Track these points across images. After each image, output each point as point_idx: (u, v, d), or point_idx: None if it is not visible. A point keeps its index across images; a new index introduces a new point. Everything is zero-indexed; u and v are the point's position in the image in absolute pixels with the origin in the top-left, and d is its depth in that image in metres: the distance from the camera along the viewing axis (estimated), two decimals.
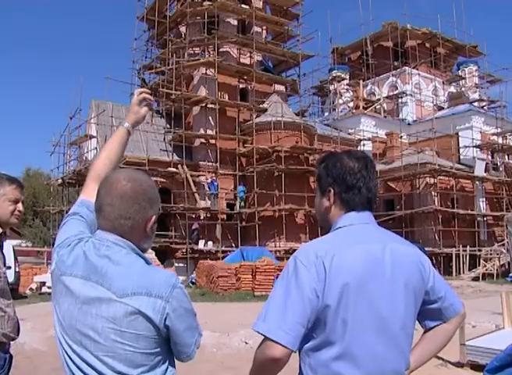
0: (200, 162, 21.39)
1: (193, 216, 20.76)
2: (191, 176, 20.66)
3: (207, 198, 21.12)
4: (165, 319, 1.12)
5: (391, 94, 27.88)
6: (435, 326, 1.29)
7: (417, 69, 27.61)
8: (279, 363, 1.14)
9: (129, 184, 1.22)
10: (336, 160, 1.32)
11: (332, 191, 1.30)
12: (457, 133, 23.15)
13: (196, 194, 20.76)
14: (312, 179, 22.24)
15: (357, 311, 1.17)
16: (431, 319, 1.30)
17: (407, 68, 27.51)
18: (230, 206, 21.49)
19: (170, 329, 1.14)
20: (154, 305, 1.12)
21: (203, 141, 21.62)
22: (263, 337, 1.15)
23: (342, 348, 1.16)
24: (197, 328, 1.20)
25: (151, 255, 13.38)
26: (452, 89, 28.23)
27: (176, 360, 1.22)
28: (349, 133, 25.19)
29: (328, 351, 1.16)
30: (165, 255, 16.49)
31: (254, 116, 22.00)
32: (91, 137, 19.73)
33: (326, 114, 29.75)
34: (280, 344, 1.12)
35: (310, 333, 1.17)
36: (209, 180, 21.00)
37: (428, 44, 28.16)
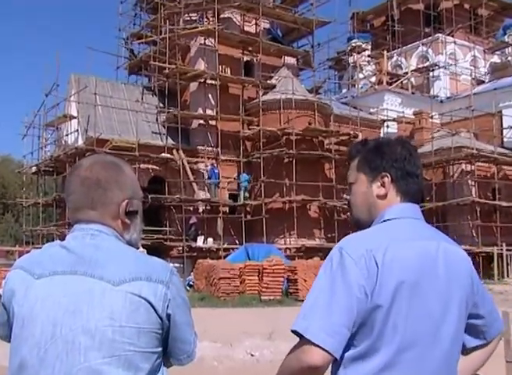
0: (199, 147, 21.42)
1: (191, 209, 20.87)
2: (188, 162, 20.74)
3: (206, 187, 21.19)
4: (168, 307, 1.15)
5: (421, 66, 27.48)
6: (476, 347, 1.29)
7: (452, 36, 27.05)
8: (318, 373, 1.11)
9: (91, 168, 1.24)
10: (389, 143, 1.33)
11: (390, 176, 1.30)
12: (500, 112, 22.88)
13: (194, 184, 20.84)
14: (328, 165, 22.42)
15: (410, 315, 1.16)
16: (473, 336, 1.29)
17: (440, 35, 26.94)
18: (233, 197, 21.56)
19: (171, 319, 1.16)
20: (155, 291, 1.14)
21: (201, 122, 21.68)
22: (298, 338, 1.12)
23: (389, 358, 1.14)
24: (193, 326, 1.23)
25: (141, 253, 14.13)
26: (495, 59, 27.61)
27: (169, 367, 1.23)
28: (370, 113, 25.16)
29: (371, 361, 1.14)
30: (158, 254, 16.93)
31: (261, 94, 21.99)
32: (71, 117, 19.77)
33: (344, 91, 29.65)
34: (322, 349, 1.09)
35: (350, 340, 1.15)
36: (209, 168, 21.08)
37: (466, 5, 27.38)
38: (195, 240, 20.09)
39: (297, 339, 1.14)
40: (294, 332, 1.13)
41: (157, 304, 1.14)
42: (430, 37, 26.64)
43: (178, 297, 1.18)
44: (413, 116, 24.65)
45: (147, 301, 1.13)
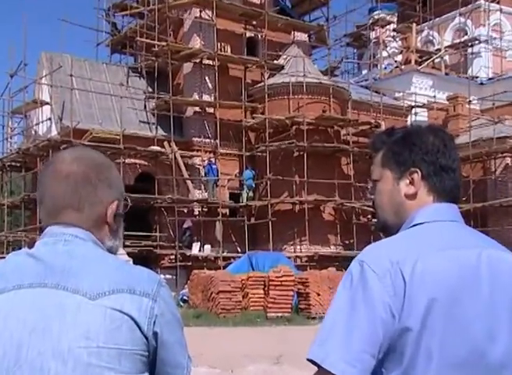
0: (194, 139, 21.49)
1: (185, 211, 20.96)
2: (182, 157, 20.79)
3: (203, 186, 21.26)
4: (154, 324, 1.14)
5: (457, 41, 27.11)
6: None
7: (498, 3, 26.32)
8: None
9: (77, 162, 1.22)
10: (419, 132, 1.31)
11: (420, 172, 1.27)
12: None
13: (188, 182, 20.90)
14: (345, 160, 22.48)
15: (446, 339, 1.14)
16: None
17: (482, 2, 26.24)
18: (234, 197, 21.65)
19: (159, 339, 1.15)
20: (139, 305, 1.13)
21: (197, 109, 21.75)
22: (316, 368, 1.13)
23: None
24: (186, 347, 1.21)
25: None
26: None
27: None
28: (395, 99, 25.21)
29: None
30: (146, 264, 16.73)
31: (266, 76, 22.06)
32: (42, 103, 19.63)
33: (364, 72, 29.59)
34: None
35: (378, 368, 1.14)
36: (206, 163, 21.16)
37: None
38: (190, 247, 20.20)
39: (312, 366, 1.14)
40: (310, 361, 1.14)
41: (141, 320, 1.12)
42: (469, 6, 26.02)
43: (167, 312, 1.16)
44: (446, 102, 24.71)
45: (130, 318, 1.12)
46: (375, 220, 1.37)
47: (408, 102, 24.73)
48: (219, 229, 20.61)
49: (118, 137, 19.19)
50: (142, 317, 1.12)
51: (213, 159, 21.25)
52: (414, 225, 1.25)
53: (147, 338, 1.13)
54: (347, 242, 21.40)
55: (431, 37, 28.09)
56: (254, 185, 21.20)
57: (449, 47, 27.19)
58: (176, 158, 20.39)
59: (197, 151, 21.36)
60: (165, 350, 1.16)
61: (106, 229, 1.24)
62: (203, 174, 21.16)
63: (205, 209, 21.09)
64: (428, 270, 1.15)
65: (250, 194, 21.28)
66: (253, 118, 21.81)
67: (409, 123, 23.99)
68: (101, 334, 1.09)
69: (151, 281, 1.16)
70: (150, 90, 21.44)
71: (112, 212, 1.23)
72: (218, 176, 20.91)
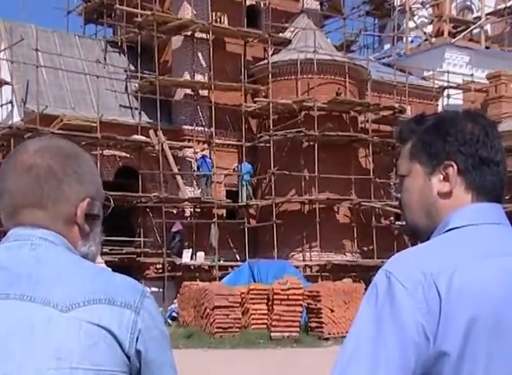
0: (185, 127, 21.55)
1: (174, 212, 21.01)
2: (170, 148, 20.83)
3: (195, 182, 21.33)
4: (137, 340, 1.14)
5: (501, 7, 26.54)
6: None
7: None
8: None
9: (40, 153, 1.23)
10: (455, 118, 1.31)
11: (456, 166, 1.26)
12: None
13: (178, 178, 20.93)
14: (363, 152, 22.41)
15: (492, 364, 1.13)
16: None
17: None
18: (232, 196, 21.69)
19: (143, 359, 1.15)
20: (120, 318, 1.13)
21: (189, 92, 21.78)
22: None
23: None
24: (175, 369, 1.23)
25: None
26: None
27: None
28: (424, 78, 25.08)
29: None
30: (128, 274, 17.04)
31: (271, 52, 22.05)
32: (2, 82, 19.64)
33: (387, 47, 29.38)
34: None
35: None
36: (199, 155, 21.23)
37: None
38: (180, 254, 20.28)
39: None
40: None
41: (122, 336, 1.12)
42: None
43: (153, 327, 1.16)
44: (486, 81, 24.51)
45: (109, 333, 1.11)
46: (402, 223, 1.36)
47: (439, 82, 24.73)
48: (215, 233, 20.65)
49: (94, 124, 19.22)
50: (123, 332, 1.12)
51: (207, 151, 21.34)
52: (450, 229, 1.25)
53: (128, 357, 1.13)
54: (366, 249, 21.46)
55: (468, 3, 27.85)
56: (254, 181, 21.44)
57: (490, 14, 26.87)
58: (163, 149, 20.43)
59: (189, 141, 21.41)
60: (151, 372, 1.16)
61: (76, 231, 1.24)
62: (195, 168, 21.23)
63: (198, 210, 21.19)
64: (468, 283, 1.14)
65: (251, 192, 21.44)
66: (254, 102, 21.85)
67: (440, 107, 24.02)
68: (74, 353, 1.09)
69: (133, 291, 1.16)
70: (132, 68, 21.48)
71: (82, 211, 1.23)
72: (213, 171, 20.97)
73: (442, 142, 1.28)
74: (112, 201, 1.34)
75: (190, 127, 21.56)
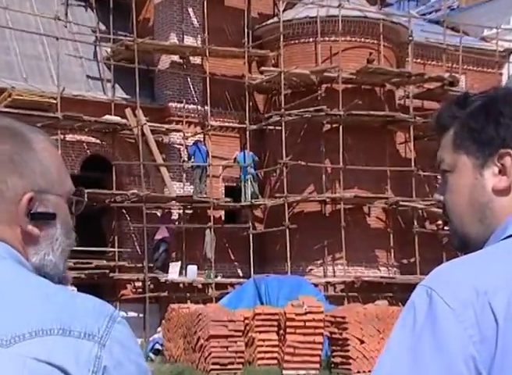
0: (172, 105, 21.56)
1: (158, 214, 21.04)
2: (153, 132, 20.85)
3: (185, 176, 21.31)
4: None
5: None
6: None
7: None
8: None
9: None
10: (508, 95, 1.32)
11: None
12: None
13: (163, 170, 20.94)
14: (402, 136, 22.44)
15: None
16: None
17: None
18: (234, 193, 21.65)
19: None
20: (77, 353, 1.13)
21: (176, 59, 21.76)
22: None
23: None
24: None
25: None
26: None
27: None
28: (483, 39, 24.84)
29: None
30: (98, 295, 17.08)
31: (282, 8, 22.00)
32: None
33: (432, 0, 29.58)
34: None
35: None
36: (190, 142, 21.25)
37: None
38: (165, 269, 20.31)
39: None
40: None
41: None
42: None
43: (126, 362, 1.16)
44: None
45: (63, 372, 1.11)
46: (449, 230, 1.38)
47: (505, 44, 24.51)
48: (210, 241, 20.64)
49: (53, 101, 19.12)
50: (82, 371, 1.12)
51: (201, 136, 21.28)
52: (510, 236, 1.25)
53: None
54: (405, 262, 21.45)
55: None
56: (260, 175, 21.62)
57: None
58: (143, 134, 20.43)
59: (177, 123, 21.40)
60: None
61: (19, 236, 1.25)
62: (185, 158, 21.21)
63: (189, 211, 21.22)
64: None
65: (256, 189, 21.49)
66: (261, 73, 21.78)
67: (505, 77, 24.08)
68: None
69: (97, 315, 1.16)
70: (102, 28, 21.32)
71: (22, 209, 1.24)
72: (208, 161, 20.90)
73: (495, 126, 1.30)
74: (85, 196, 1.35)
75: (179, 105, 21.46)
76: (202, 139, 21.38)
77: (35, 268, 1.25)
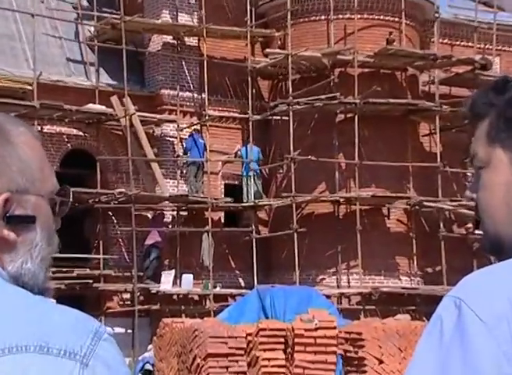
0: (164, 92, 21.71)
1: (149, 216, 21.24)
2: (143, 123, 20.95)
3: (180, 173, 21.46)
4: None
5: None
6: None
7: None
8: None
9: None
10: None
11: None
12: None
13: (155, 167, 21.00)
14: (426, 127, 22.54)
15: None
16: None
17: None
18: (234, 193, 21.80)
19: None
20: (56, 372, 1.18)
21: (169, 40, 21.89)
22: None
23: None
24: None
25: None
26: None
27: None
28: None
29: None
30: (81, 308, 17.27)
31: None
32: None
33: None
34: None
35: None
36: (185, 134, 21.38)
37: None
38: (157, 278, 20.40)
39: None
40: None
41: None
42: None
43: None
44: None
45: None
46: (481, 233, 1.41)
47: None
48: (208, 246, 20.73)
49: (29, 87, 19.19)
50: None
51: (197, 127, 21.34)
52: None
53: None
54: (430, 271, 21.46)
55: None
56: (260, 171, 21.71)
57: None
58: (132, 125, 20.48)
59: (170, 113, 21.49)
60: None
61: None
62: (180, 153, 21.34)
63: (184, 213, 21.33)
64: None
65: (259, 187, 21.61)
66: (266, 56, 21.82)
67: None
68: None
69: (80, 331, 1.20)
70: (85, 4, 21.44)
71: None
72: (205, 156, 20.98)
73: None
74: (71, 196, 1.38)
75: (172, 92, 21.56)
76: (199, 131, 21.54)
77: (11, 277, 1.29)
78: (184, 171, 21.52)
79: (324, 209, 21.14)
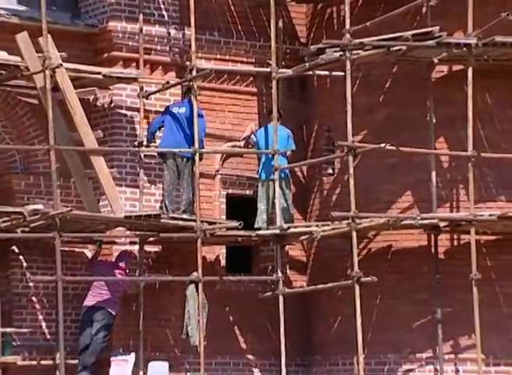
0: (116, 25, 17.43)
1: (88, 256, 17.19)
2: (77, 82, 16.95)
3: (142, 173, 17.75)
4: None
5: None
6: None
7: None
8: None
9: None
10: None
11: None
12: None
13: (99, 164, 16.76)
14: None
15: None
16: None
17: None
18: (242, 210, 17.67)
19: None
20: None
21: None
22: None
23: None
24: None
25: None
26: None
27: None
28: None
29: None
30: None
31: None
32: None
33: None
34: None
35: None
36: (155, 103, 17.21)
37: None
38: (102, 369, 17.04)
39: None
40: None
41: None
42: None
43: None
44: None
45: None
46: None
47: None
48: (196, 310, 16.08)
49: None
50: None
51: (177, 91, 16.73)
52: None
53: None
54: None
55: None
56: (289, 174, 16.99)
57: None
58: (57, 87, 15.81)
59: (126, 64, 16.58)
60: None
61: None
62: (144, 140, 16.28)
63: (153, 249, 16.57)
64: None
65: (290, 199, 16.54)
66: None
67: None
68: None
69: None
70: None
71: None
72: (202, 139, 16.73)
73: None
74: None
75: (130, 27, 16.34)
76: (181, 98, 15.81)
77: None
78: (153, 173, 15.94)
79: (410, 241, 15.57)
